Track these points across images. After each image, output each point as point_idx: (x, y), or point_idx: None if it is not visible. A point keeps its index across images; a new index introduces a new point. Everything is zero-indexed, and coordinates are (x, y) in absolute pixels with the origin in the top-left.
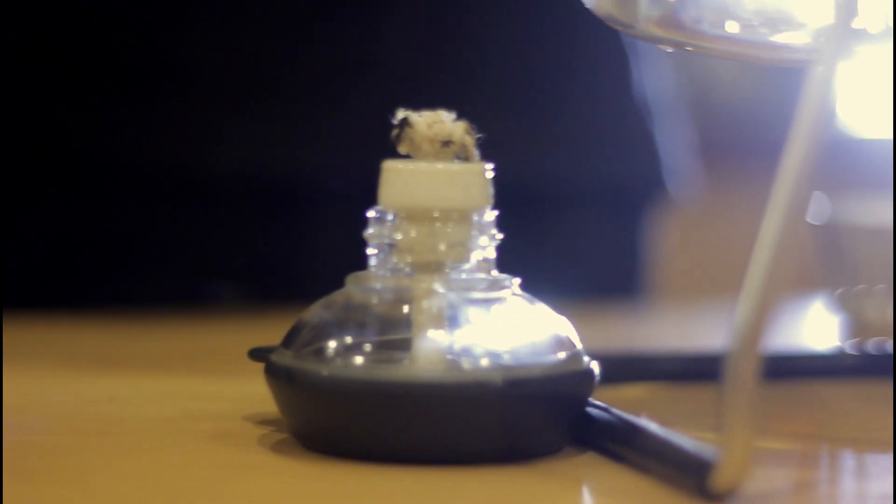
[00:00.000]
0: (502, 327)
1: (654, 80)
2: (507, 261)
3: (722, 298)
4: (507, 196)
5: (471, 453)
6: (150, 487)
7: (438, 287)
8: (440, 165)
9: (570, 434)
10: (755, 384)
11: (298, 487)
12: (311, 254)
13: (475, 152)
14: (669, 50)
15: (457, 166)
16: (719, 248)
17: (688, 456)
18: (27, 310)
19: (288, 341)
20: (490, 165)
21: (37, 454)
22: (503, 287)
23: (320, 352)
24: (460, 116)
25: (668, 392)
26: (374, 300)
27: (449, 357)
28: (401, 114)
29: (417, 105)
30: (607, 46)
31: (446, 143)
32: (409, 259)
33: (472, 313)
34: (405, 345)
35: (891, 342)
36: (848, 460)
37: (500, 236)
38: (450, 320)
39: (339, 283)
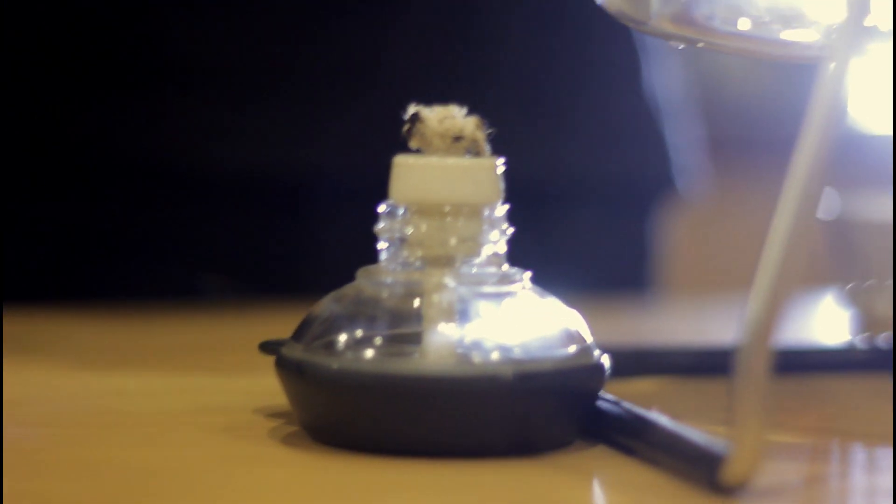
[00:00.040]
0: (513, 321)
1: (665, 78)
2: (517, 257)
3: (732, 293)
4: (517, 192)
5: (481, 447)
6: (160, 480)
7: (449, 281)
8: (451, 160)
9: (580, 427)
10: (766, 378)
11: (309, 480)
12: (319, 248)
13: (486, 147)
14: (681, 46)
15: (468, 161)
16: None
17: (698, 450)
18: (35, 304)
19: (298, 334)
20: (501, 160)
21: (46, 447)
22: (514, 281)
23: (331, 345)
24: (471, 112)
25: (679, 386)
26: (385, 294)
27: (459, 351)
28: (412, 109)
29: (427, 102)
30: (618, 43)
31: (457, 139)
32: (419, 253)
33: (483, 307)
34: (416, 338)
35: None
36: (858, 454)
37: (510, 231)
38: (460, 314)
39: (348, 278)
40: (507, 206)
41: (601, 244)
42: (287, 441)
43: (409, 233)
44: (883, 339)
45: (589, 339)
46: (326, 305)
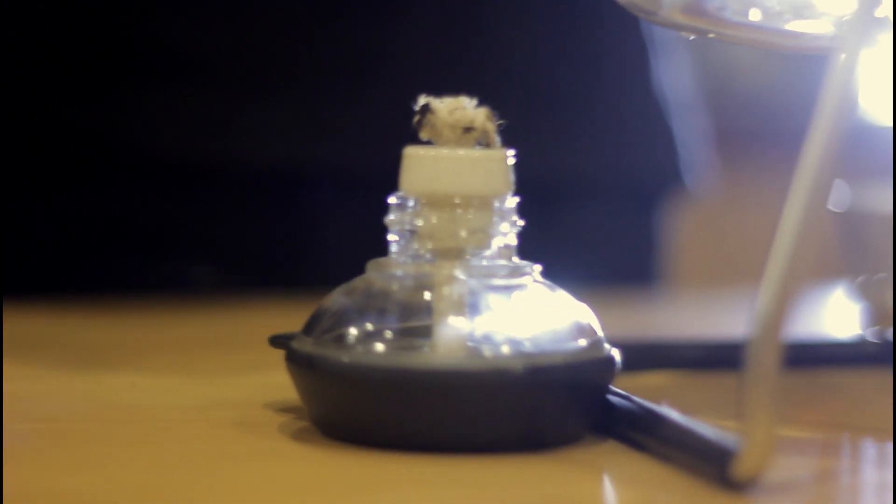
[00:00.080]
0: (523, 314)
1: (673, 73)
2: (524, 251)
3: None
4: (524, 186)
5: (491, 441)
6: (170, 474)
7: (459, 274)
8: (461, 151)
9: (590, 422)
10: (777, 372)
11: (319, 475)
12: (329, 241)
13: (496, 138)
14: (692, 37)
15: (478, 152)
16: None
17: (709, 444)
18: (42, 300)
19: (309, 328)
20: (511, 152)
21: (58, 442)
22: (524, 274)
23: (341, 339)
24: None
25: (689, 380)
26: (395, 287)
27: (469, 344)
28: (422, 100)
29: (435, 96)
30: (626, 39)
31: (468, 130)
32: (429, 245)
33: (493, 300)
34: (426, 332)
35: None
36: (869, 449)
37: (521, 223)
38: (470, 307)
39: (358, 271)
40: (517, 199)
41: (609, 238)
42: (297, 436)
43: (420, 225)
44: (894, 333)
45: (599, 332)
46: (336, 298)
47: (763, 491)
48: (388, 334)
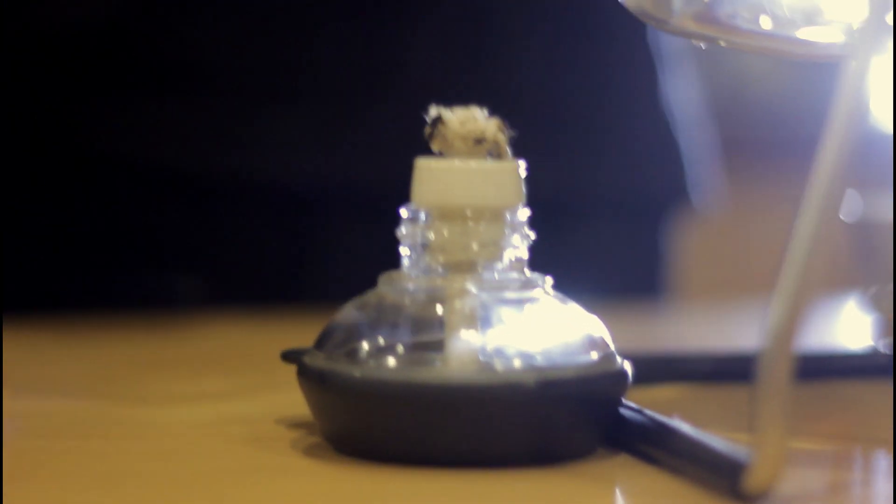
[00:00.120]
0: (535, 327)
1: (681, 89)
2: (534, 264)
3: (751, 299)
4: (533, 200)
5: (503, 455)
6: (181, 490)
7: (471, 287)
8: (473, 163)
9: (603, 435)
10: (788, 385)
11: (331, 491)
12: (340, 254)
13: (508, 150)
14: (703, 46)
15: (489, 164)
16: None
17: (721, 457)
18: (48, 313)
19: (320, 343)
20: (523, 163)
21: (67, 458)
22: (536, 287)
23: (353, 353)
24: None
25: (701, 393)
26: (407, 300)
27: (481, 358)
28: (434, 111)
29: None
30: (636, 54)
31: (479, 141)
32: (441, 259)
33: (505, 313)
34: (438, 346)
35: None
36: (881, 461)
37: (532, 235)
38: (482, 321)
39: (369, 284)
40: (528, 210)
41: (617, 252)
42: (309, 451)
43: (431, 238)
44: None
45: (611, 345)
46: (348, 313)
47: (775, 503)
48: (400, 349)
